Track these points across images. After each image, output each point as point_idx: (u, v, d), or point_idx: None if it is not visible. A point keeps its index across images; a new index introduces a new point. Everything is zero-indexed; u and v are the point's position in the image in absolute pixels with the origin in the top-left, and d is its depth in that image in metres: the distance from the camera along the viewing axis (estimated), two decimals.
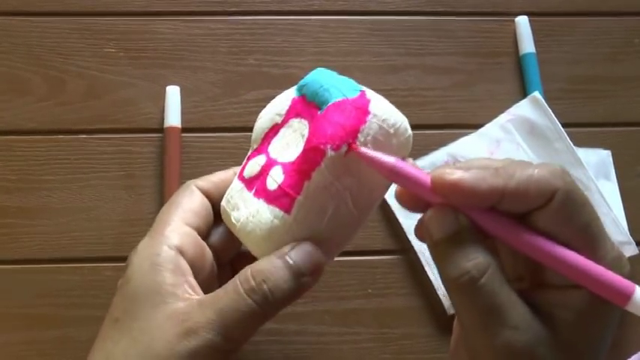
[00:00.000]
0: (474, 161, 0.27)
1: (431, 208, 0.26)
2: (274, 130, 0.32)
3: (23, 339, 0.48)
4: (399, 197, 0.28)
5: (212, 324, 0.27)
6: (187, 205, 0.32)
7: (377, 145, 0.28)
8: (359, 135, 0.27)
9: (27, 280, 0.49)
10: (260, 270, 0.28)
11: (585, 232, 0.25)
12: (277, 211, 0.28)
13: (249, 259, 0.33)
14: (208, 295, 0.29)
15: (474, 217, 0.25)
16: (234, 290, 0.28)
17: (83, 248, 0.50)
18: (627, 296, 0.24)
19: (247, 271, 0.28)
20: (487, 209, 0.25)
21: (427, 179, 0.26)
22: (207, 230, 0.32)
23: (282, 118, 0.31)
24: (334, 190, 0.28)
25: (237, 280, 0.28)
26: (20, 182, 0.51)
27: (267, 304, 0.28)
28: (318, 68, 0.31)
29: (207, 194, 0.33)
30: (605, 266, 0.24)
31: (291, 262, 0.28)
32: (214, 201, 0.33)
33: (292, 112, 0.31)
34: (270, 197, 0.29)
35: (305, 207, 0.28)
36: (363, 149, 0.27)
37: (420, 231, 0.27)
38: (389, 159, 0.26)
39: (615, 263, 0.25)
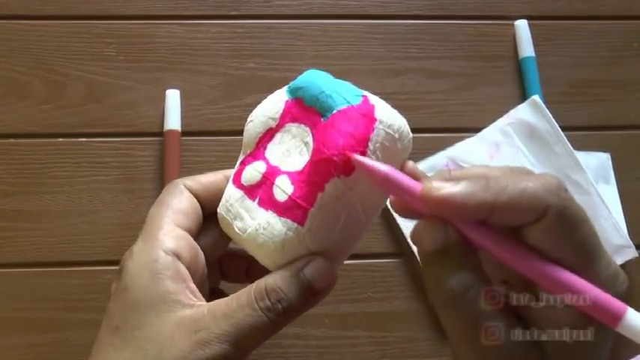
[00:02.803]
0: (470, 170, 0.26)
1: (422, 220, 0.26)
2: (269, 134, 0.31)
3: (22, 342, 0.48)
4: (393, 205, 0.28)
5: (226, 336, 0.27)
6: (177, 206, 0.32)
7: (384, 150, 0.28)
8: (369, 144, 0.27)
9: (26, 283, 0.49)
10: (274, 289, 0.28)
11: (579, 249, 0.24)
12: (290, 223, 0.28)
13: (238, 257, 0.34)
14: (218, 303, 0.29)
15: (464, 230, 0.25)
16: (250, 306, 0.28)
17: (83, 252, 0.50)
18: (618, 317, 0.23)
19: (262, 287, 0.28)
20: (478, 222, 0.25)
21: (418, 189, 0.25)
22: (197, 231, 0.32)
23: (276, 122, 0.31)
24: (346, 199, 0.28)
25: (252, 294, 0.28)
26: (20, 185, 0.51)
27: (281, 320, 0.28)
28: (311, 70, 0.31)
29: (195, 195, 0.33)
30: (599, 285, 0.24)
31: (305, 280, 0.28)
32: (202, 202, 0.33)
33: (288, 117, 0.31)
34: (281, 209, 0.29)
35: (318, 218, 0.28)
36: (359, 157, 0.27)
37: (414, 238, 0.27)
38: (382, 167, 0.26)
39: (610, 282, 0.24)
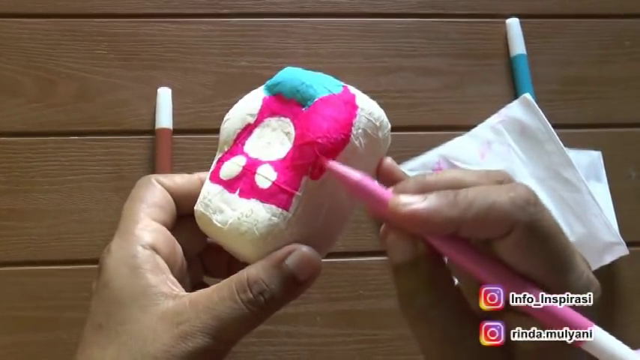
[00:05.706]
0: (445, 176, 0.26)
1: (391, 232, 0.26)
2: (247, 130, 0.31)
3: (13, 341, 0.48)
4: (367, 210, 0.28)
5: (208, 328, 0.27)
6: (151, 200, 0.31)
7: (367, 137, 0.28)
8: (352, 128, 0.28)
9: (17, 282, 0.49)
10: (256, 281, 0.28)
11: (549, 263, 0.24)
12: (275, 208, 0.28)
13: (219, 252, 0.33)
14: (199, 294, 0.28)
15: (433, 242, 0.25)
16: (231, 298, 0.28)
17: (74, 250, 0.50)
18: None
19: (244, 279, 0.28)
20: (447, 236, 0.25)
21: (388, 200, 0.25)
22: (172, 224, 0.32)
23: (254, 119, 0.31)
24: (330, 182, 0.28)
25: (233, 286, 0.28)
26: (10, 184, 0.51)
27: (263, 312, 0.28)
28: (287, 67, 0.31)
29: (167, 191, 0.32)
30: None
31: (288, 271, 0.28)
32: (174, 199, 0.33)
33: (266, 112, 0.31)
34: (265, 195, 0.28)
35: (303, 202, 0.28)
36: (332, 164, 0.27)
37: (384, 239, 0.27)
38: (354, 175, 0.26)
39: (581, 293, 0.24)
